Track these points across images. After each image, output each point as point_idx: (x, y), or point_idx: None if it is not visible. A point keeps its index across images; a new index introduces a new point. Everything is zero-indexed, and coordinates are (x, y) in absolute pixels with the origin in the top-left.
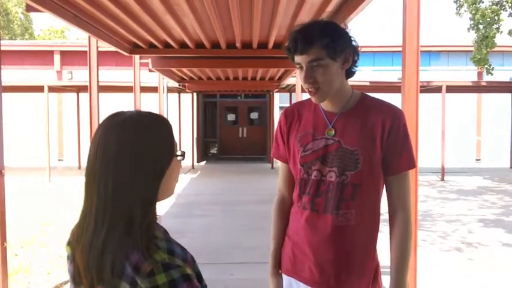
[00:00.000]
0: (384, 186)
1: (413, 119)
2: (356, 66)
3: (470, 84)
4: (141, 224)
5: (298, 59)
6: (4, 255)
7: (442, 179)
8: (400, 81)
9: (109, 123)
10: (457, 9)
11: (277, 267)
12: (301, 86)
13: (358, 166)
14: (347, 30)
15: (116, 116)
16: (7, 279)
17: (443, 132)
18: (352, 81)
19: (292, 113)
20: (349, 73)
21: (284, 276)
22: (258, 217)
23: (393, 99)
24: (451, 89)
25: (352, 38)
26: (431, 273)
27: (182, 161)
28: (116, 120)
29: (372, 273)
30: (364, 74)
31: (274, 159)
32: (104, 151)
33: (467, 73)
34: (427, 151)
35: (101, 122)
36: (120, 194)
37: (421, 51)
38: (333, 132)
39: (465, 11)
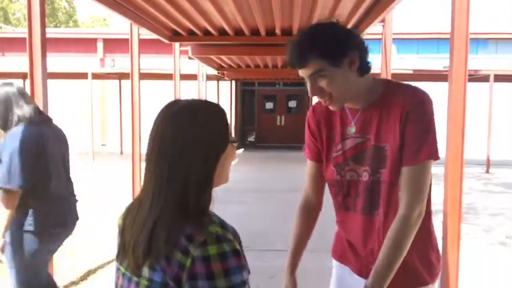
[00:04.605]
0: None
1: (461, 109)
2: (368, 62)
3: None
4: (195, 207)
5: (300, 72)
6: None
7: (487, 171)
8: (445, 69)
9: (166, 112)
10: None
11: (293, 265)
12: None
13: (389, 162)
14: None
15: (172, 104)
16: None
17: (489, 123)
18: (395, 69)
19: (320, 110)
20: (363, 69)
21: (337, 264)
22: (294, 205)
23: (438, 88)
24: (500, 78)
25: (354, 37)
26: (473, 267)
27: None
28: (172, 109)
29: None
30: (407, 62)
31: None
32: (161, 138)
33: None
34: (472, 142)
35: (159, 110)
36: (176, 179)
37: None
38: (354, 129)
39: None
